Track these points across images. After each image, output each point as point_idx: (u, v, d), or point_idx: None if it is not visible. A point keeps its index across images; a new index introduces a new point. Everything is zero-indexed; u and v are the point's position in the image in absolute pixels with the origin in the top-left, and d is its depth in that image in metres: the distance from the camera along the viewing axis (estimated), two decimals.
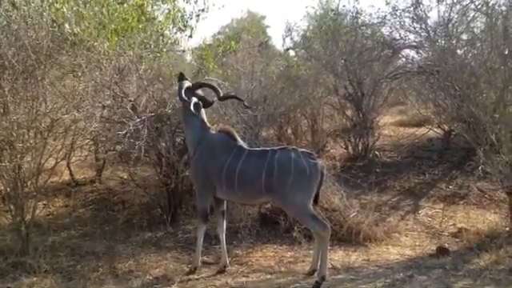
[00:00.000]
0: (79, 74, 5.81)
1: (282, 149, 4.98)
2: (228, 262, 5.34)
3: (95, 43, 5.94)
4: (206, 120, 5.29)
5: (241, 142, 5.16)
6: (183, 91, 5.18)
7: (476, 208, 7.02)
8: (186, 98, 5.11)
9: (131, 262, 5.45)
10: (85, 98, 5.53)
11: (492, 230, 5.96)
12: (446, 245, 5.67)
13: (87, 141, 6.58)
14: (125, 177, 7.58)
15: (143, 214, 6.82)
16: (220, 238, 5.34)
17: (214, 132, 5.22)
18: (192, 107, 5.05)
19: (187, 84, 5.27)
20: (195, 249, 5.31)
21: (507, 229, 5.86)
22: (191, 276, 5.12)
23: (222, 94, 5.37)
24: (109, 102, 6.05)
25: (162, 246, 6.00)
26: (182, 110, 5.38)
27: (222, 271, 5.24)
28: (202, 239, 5.27)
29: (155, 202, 6.81)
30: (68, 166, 7.73)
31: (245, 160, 4.95)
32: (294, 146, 5.08)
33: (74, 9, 5.93)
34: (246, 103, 5.63)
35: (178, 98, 5.43)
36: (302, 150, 4.93)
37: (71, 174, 8.04)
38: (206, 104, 5.35)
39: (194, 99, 5.13)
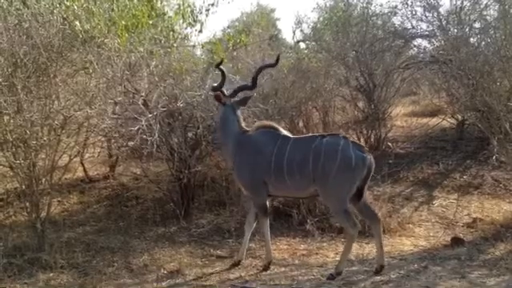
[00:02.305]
0: (90, 70, 5.83)
1: (331, 134, 4.96)
2: (244, 257, 5.33)
3: (106, 40, 5.97)
4: (242, 122, 5.26)
5: (284, 132, 5.15)
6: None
7: (491, 198, 6.95)
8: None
9: (146, 257, 5.49)
10: (97, 94, 5.57)
11: (507, 219, 5.91)
12: (461, 235, 5.64)
13: (100, 137, 6.63)
14: (138, 172, 7.64)
15: (156, 209, 6.86)
16: (245, 234, 5.32)
17: (252, 132, 5.18)
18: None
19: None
20: (265, 245, 5.23)
21: None
22: (205, 270, 5.15)
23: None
24: (120, 98, 6.08)
25: (175, 240, 6.05)
26: (220, 114, 5.33)
27: (236, 265, 5.25)
28: (268, 233, 5.17)
29: (168, 197, 6.85)
30: (81, 162, 7.78)
31: (291, 148, 4.90)
32: (345, 134, 4.98)
33: (84, 6, 5.95)
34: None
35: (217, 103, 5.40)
36: (353, 140, 4.86)
37: (85, 171, 8.10)
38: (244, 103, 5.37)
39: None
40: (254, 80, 5.22)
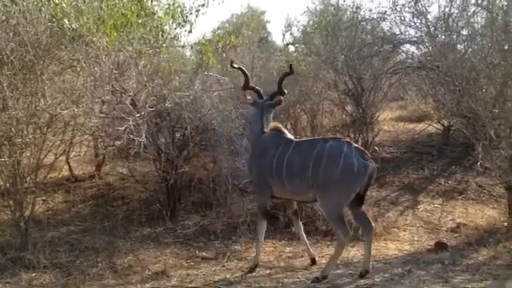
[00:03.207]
0: (78, 69, 5.79)
1: (334, 138, 4.96)
2: (314, 254, 5.33)
3: (94, 38, 5.92)
4: (264, 123, 5.26)
5: (288, 135, 5.19)
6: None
7: (475, 203, 7.03)
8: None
9: (130, 258, 5.46)
10: (84, 93, 5.52)
11: (490, 225, 5.97)
12: (445, 240, 5.69)
13: (86, 136, 6.59)
14: (124, 172, 7.60)
15: (142, 209, 6.83)
16: (300, 236, 5.35)
17: (265, 134, 5.23)
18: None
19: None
20: (256, 246, 5.23)
21: (505, 224, 5.88)
22: (190, 271, 5.13)
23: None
24: (108, 97, 6.04)
25: (161, 241, 6.03)
26: (250, 114, 5.47)
27: (313, 263, 5.25)
28: (263, 236, 5.20)
29: (154, 197, 6.83)
30: (67, 161, 7.72)
31: (293, 151, 4.92)
32: (348, 139, 4.97)
33: (73, 4, 5.91)
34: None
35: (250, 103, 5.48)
36: (356, 145, 4.81)
37: (70, 170, 8.04)
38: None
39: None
40: (280, 86, 5.31)
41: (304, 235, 5.35)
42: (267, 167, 5.01)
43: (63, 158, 6.98)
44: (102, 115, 6.15)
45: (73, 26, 5.70)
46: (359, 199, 4.79)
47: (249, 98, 5.48)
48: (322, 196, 4.78)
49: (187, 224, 6.49)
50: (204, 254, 5.64)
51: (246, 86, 5.42)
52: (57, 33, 5.64)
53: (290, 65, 5.54)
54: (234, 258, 5.52)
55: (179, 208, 6.79)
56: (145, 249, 5.74)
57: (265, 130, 5.22)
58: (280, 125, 5.33)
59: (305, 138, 5.36)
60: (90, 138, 6.88)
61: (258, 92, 5.44)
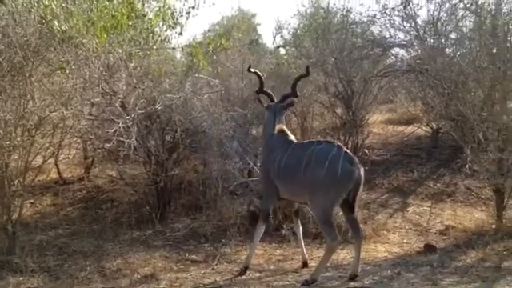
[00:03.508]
0: (67, 71, 5.75)
1: (327, 141, 5.00)
2: (307, 257, 5.35)
3: (84, 40, 5.89)
4: (276, 125, 5.32)
5: (291, 137, 5.24)
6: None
7: (463, 206, 7.09)
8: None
9: (119, 261, 5.43)
10: (73, 95, 5.49)
11: (479, 227, 6.02)
12: (434, 242, 5.72)
13: (75, 139, 6.54)
14: (113, 175, 7.55)
15: (132, 212, 6.79)
16: (298, 236, 5.37)
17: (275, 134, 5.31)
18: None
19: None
20: (250, 248, 5.29)
21: (494, 226, 5.91)
22: (179, 275, 5.11)
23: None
24: (98, 99, 6.02)
25: (150, 244, 5.99)
26: (265, 116, 5.54)
27: (305, 266, 5.28)
28: (258, 239, 5.23)
29: (144, 200, 6.79)
30: (56, 164, 7.66)
31: (290, 152, 4.99)
32: (341, 144, 4.94)
33: (63, 5, 5.88)
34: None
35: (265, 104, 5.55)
36: (347, 151, 4.76)
37: (59, 173, 7.97)
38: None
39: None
40: (294, 89, 5.42)
41: (301, 236, 5.37)
42: (271, 168, 5.11)
43: (52, 160, 6.94)
44: (92, 117, 6.12)
45: (62, 27, 5.68)
46: (349, 206, 4.76)
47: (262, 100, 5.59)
48: (311, 198, 4.80)
49: (177, 227, 6.46)
50: (194, 256, 5.62)
51: (261, 90, 5.53)
52: (46, 34, 5.60)
53: (307, 66, 5.66)
54: (224, 260, 5.50)
55: (169, 211, 6.76)
56: (134, 252, 5.71)
57: (275, 131, 5.32)
58: (284, 127, 5.38)
59: (304, 141, 5.37)
60: (79, 140, 6.84)
61: (269, 95, 5.55)
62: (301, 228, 5.39)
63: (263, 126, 5.57)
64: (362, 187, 4.77)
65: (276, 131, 5.27)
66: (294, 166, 4.87)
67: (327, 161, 4.62)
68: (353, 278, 4.80)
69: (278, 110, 5.38)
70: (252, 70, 5.68)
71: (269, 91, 5.58)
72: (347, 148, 8.75)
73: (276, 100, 5.48)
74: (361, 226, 5.02)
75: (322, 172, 4.61)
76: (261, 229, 5.20)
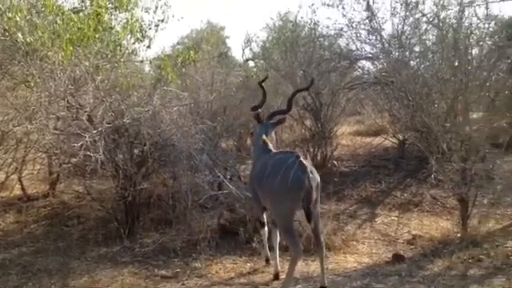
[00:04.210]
0: (32, 84, 5.65)
1: (287, 151, 5.11)
2: (280, 269, 5.32)
3: (49, 53, 5.80)
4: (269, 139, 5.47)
5: (269, 147, 5.37)
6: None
7: (429, 215, 7.21)
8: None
9: (86, 279, 5.29)
10: (38, 109, 5.39)
11: (444, 236, 6.13)
12: (402, 252, 5.79)
13: (40, 154, 6.39)
14: (80, 190, 7.38)
15: (99, 228, 6.63)
16: (274, 246, 5.41)
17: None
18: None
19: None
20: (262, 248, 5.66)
21: (459, 235, 6.04)
22: None
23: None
24: (63, 113, 5.90)
25: (118, 260, 5.86)
26: (256, 130, 5.64)
27: (276, 278, 5.24)
28: (266, 239, 5.51)
29: (112, 215, 6.65)
30: (19, 179, 7.44)
31: (263, 163, 5.09)
32: (299, 154, 4.84)
33: (27, 18, 5.78)
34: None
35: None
36: (302, 160, 4.68)
37: (23, 189, 7.74)
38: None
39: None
40: (289, 103, 5.58)
41: (278, 247, 5.41)
42: (253, 177, 5.31)
43: (15, 176, 6.74)
44: (57, 132, 5.99)
45: (27, 40, 5.57)
46: (306, 214, 4.65)
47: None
48: (271, 207, 4.95)
49: (146, 242, 6.35)
50: (163, 272, 5.53)
51: (261, 106, 5.66)
52: (10, 47, 5.49)
53: (312, 79, 5.98)
54: (194, 275, 5.43)
55: (138, 226, 6.65)
56: (101, 269, 5.57)
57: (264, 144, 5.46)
58: (266, 138, 5.47)
59: (278, 151, 5.43)
60: (44, 155, 6.67)
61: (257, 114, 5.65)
62: (278, 238, 5.40)
63: (252, 140, 5.69)
64: (314, 196, 4.66)
65: (261, 142, 5.43)
66: (261, 176, 4.97)
67: (282, 170, 4.67)
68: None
69: (269, 126, 5.58)
70: (263, 85, 5.80)
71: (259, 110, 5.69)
72: (315, 160, 8.98)
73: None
74: (322, 237, 4.97)
75: (276, 181, 4.68)
76: (264, 233, 5.48)
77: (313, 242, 5.17)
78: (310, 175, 4.60)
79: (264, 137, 5.41)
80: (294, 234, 4.74)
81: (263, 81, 5.90)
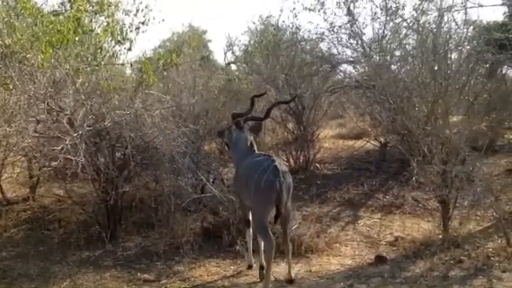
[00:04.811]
0: (11, 87, 5.56)
1: (265, 154, 5.29)
2: (253, 262, 5.53)
3: (28, 55, 5.72)
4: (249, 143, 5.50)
5: (254, 148, 5.45)
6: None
7: (411, 217, 7.28)
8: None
9: (67, 283, 5.22)
10: (17, 111, 5.31)
11: (426, 237, 6.19)
12: (384, 253, 5.84)
13: (20, 157, 6.28)
14: (61, 194, 7.28)
15: (80, 232, 6.55)
16: (247, 241, 5.58)
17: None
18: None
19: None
20: (246, 252, 5.67)
21: (440, 236, 6.11)
22: None
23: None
24: (43, 116, 5.82)
25: (100, 264, 5.79)
26: (234, 135, 5.62)
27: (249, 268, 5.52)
28: (250, 241, 5.52)
29: (93, 219, 6.57)
30: None
31: (245, 163, 5.21)
32: (275, 158, 5.09)
33: (6, 20, 5.69)
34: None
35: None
36: (277, 164, 4.86)
37: (2, 192, 7.62)
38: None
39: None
40: (267, 113, 5.64)
41: (250, 243, 5.54)
42: (238, 178, 5.44)
43: None
44: (37, 135, 5.91)
45: (5, 42, 5.48)
46: (275, 215, 4.87)
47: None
48: (251, 207, 5.20)
49: (128, 245, 6.29)
50: (146, 275, 5.47)
51: (239, 115, 5.60)
52: None
53: (296, 95, 5.97)
54: (177, 278, 5.39)
55: (120, 229, 6.58)
56: (83, 273, 5.50)
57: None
58: (252, 141, 5.54)
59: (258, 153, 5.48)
60: (24, 158, 6.56)
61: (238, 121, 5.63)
62: (251, 235, 5.51)
63: (234, 144, 5.58)
64: (285, 199, 4.87)
65: (243, 146, 5.48)
66: (243, 177, 5.17)
67: (257, 173, 4.87)
68: (289, 283, 5.05)
69: (246, 131, 5.58)
70: (255, 99, 5.77)
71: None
72: (297, 162, 9.02)
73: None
74: (290, 241, 5.21)
75: (251, 182, 4.90)
76: (249, 235, 5.52)
77: (282, 237, 5.28)
78: (282, 179, 4.79)
79: (252, 139, 5.49)
80: (266, 230, 4.86)
81: (258, 96, 5.97)
